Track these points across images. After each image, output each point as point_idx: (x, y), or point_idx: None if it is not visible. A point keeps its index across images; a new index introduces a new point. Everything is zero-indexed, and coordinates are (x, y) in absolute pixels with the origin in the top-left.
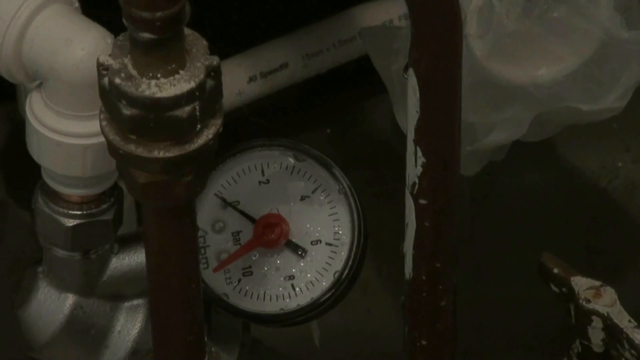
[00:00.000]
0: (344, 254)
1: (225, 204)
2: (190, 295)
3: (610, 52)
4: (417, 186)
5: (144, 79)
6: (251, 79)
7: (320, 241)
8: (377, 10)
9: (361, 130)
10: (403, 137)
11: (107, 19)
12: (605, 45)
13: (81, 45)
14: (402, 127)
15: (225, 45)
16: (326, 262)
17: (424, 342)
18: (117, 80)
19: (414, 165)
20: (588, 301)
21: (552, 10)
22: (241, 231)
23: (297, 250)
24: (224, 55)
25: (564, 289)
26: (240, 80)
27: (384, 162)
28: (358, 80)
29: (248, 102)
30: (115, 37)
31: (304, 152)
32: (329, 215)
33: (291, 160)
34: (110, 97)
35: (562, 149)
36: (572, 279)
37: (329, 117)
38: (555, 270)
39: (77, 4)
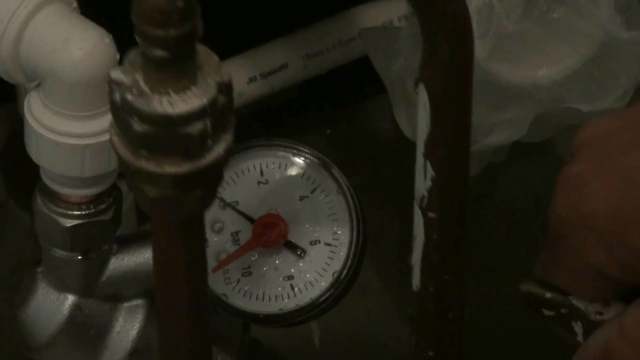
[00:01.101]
0: (343, 254)
1: (224, 204)
2: (197, 306)
3: (610, 53)
4: (426, 200)
5: (155, 95)
6: (251, 80)
7: (319, 241)
8: (377, 11)
9: (361, 131)
10: (403, 138)
11: (105, 19)
12: (605, 45)
13: (79, 45)
14: (402, 128)
15: (225, 45)
16: (325, 263)
17: (430, 354)
18: (129, 97)
19: (424, 179)
20: (600, 313)
21: (552, 10)
22: (240, 231)
23: (296, 250)
24: (224, 55)
25: (562, 310)
26: (240, 81)
27: (384, 163)
28: (358, 81)
29: (248, 103)
30: (113, 37)
31: (303, 152)
32: (328, 215)
33: (290, 160)
34: (121, 113)
35: (562, 149)
36: (570, 297)
37: (328, 118)
38: (548, 295)
39: (75, 4)
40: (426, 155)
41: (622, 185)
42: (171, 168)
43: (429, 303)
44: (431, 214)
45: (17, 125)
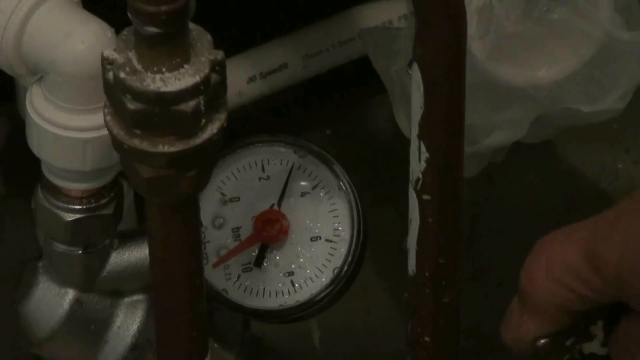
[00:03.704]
0: (343, 250)
1: (226, 199)
2: (194, 290)
3: (610, 54)
4: (420, 182)
5: (148, 73)
6: (251, 80)
7: (320, 237)
8: (376, 11)
9: (361, 131)
10: (403, 137)
11: (107, 13)
12: (605, 46)
13: (81, 39)
14: (402, 127)
15: (225, 45)
16: (325, 259)
17: (427, 339)
18: (122, 75)
19: (418, 161)
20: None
21: (552, 11)
22: (241, 227)
23: (297, 246)
24: None
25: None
26: (239, 81)
27: (384, 163)
28: (358, 81)
29: (248, 103)
30: (115, 30)
31: (305, 149)
32: (329, 211)
33: (292, 156)
34: (114, 92)
35: (562, 150)
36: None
37: (328, 118)
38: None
39: None
40: (420, 137)
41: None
42: (165, 147)
43: (425, 287)
44: (426, 197)
45: (17, 124)
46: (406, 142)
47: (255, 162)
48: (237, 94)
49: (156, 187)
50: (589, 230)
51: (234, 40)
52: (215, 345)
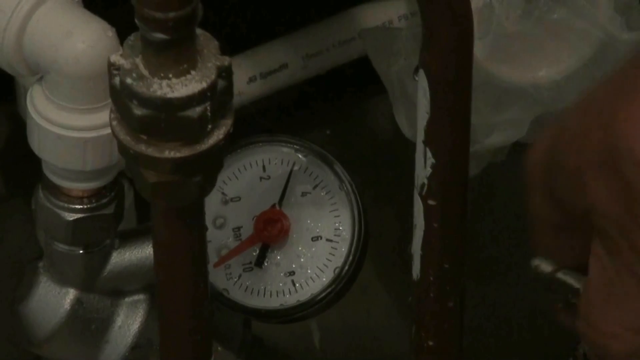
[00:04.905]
0: (344, 250)
1: (226, 199)
2: (198, 294)
3: (610, 54)
4: (426, 187)
5: (155, 79)
6: (251, 80)
7: (321, 237)
8: (376, 11)
9: (361, 131)
10: (403, 138)
11: (108, 13)
12: (605, 46)
13: (82, 38)
14: (402, 128)
15: (225, 45)
16: (326, 259)
17: (430, 343)
18: (129, 80)
19: (423, 167)
20: None
21: (552, 11)
22: (242, 227)
23: (298, 246)
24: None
25: None
26: (239, 81)
27: (384, 163)
28: (358, 81)
29: (248, 103)
30: (116, 30)
31: (306, 148)
32: (330, 211)
33: (292, 156)
34: (121, 97)
35: None
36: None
37: (328, 118)
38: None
39: None
40: (426, 142)
41: None
42: (171, 153)
43: (429, 292)
44: (431, 202)
45: (17, 124)
46: (406, 142)
47: (256, 161)
48: (237, 94)
49: (162, 192)
50: None
51: (233, 40)
52: (219, 348)
